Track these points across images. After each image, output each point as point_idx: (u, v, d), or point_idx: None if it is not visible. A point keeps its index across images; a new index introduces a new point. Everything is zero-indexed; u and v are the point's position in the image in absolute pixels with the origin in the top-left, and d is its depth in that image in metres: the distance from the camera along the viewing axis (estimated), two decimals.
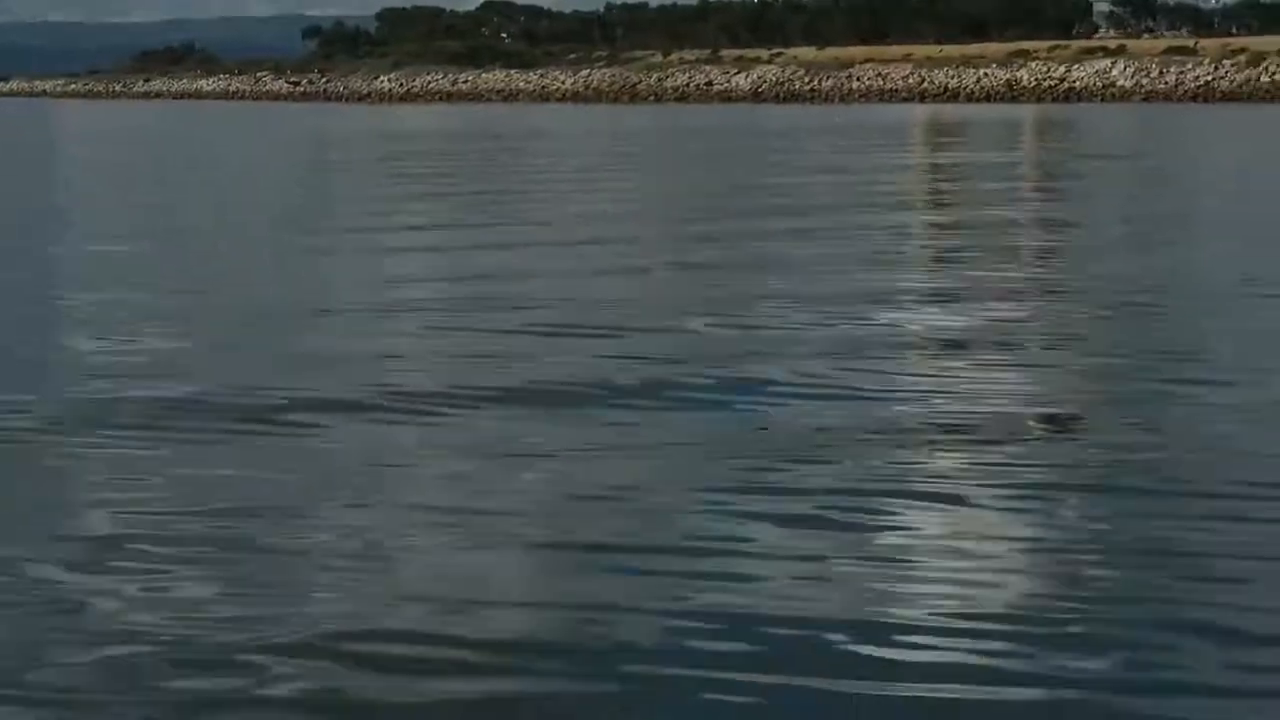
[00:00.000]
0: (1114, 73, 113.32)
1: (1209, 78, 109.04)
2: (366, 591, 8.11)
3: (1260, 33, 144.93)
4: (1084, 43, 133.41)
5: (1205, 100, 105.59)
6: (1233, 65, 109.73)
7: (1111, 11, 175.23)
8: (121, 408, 12.47)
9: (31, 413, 12.33)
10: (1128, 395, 12.73)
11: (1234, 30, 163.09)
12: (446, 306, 17.79)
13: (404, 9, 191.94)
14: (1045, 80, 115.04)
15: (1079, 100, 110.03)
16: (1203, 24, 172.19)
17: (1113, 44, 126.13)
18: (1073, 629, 7.61)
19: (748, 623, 7.62)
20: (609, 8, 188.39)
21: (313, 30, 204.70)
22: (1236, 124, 73.21)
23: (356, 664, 7.22)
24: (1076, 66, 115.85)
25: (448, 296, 18.52)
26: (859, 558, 8.62)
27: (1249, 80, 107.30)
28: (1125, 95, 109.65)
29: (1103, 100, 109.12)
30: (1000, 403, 12.36)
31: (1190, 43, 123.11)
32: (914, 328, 16.02)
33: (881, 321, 16.39)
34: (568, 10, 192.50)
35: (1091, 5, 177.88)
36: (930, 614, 7.76)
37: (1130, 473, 10.26)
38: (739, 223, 27.40)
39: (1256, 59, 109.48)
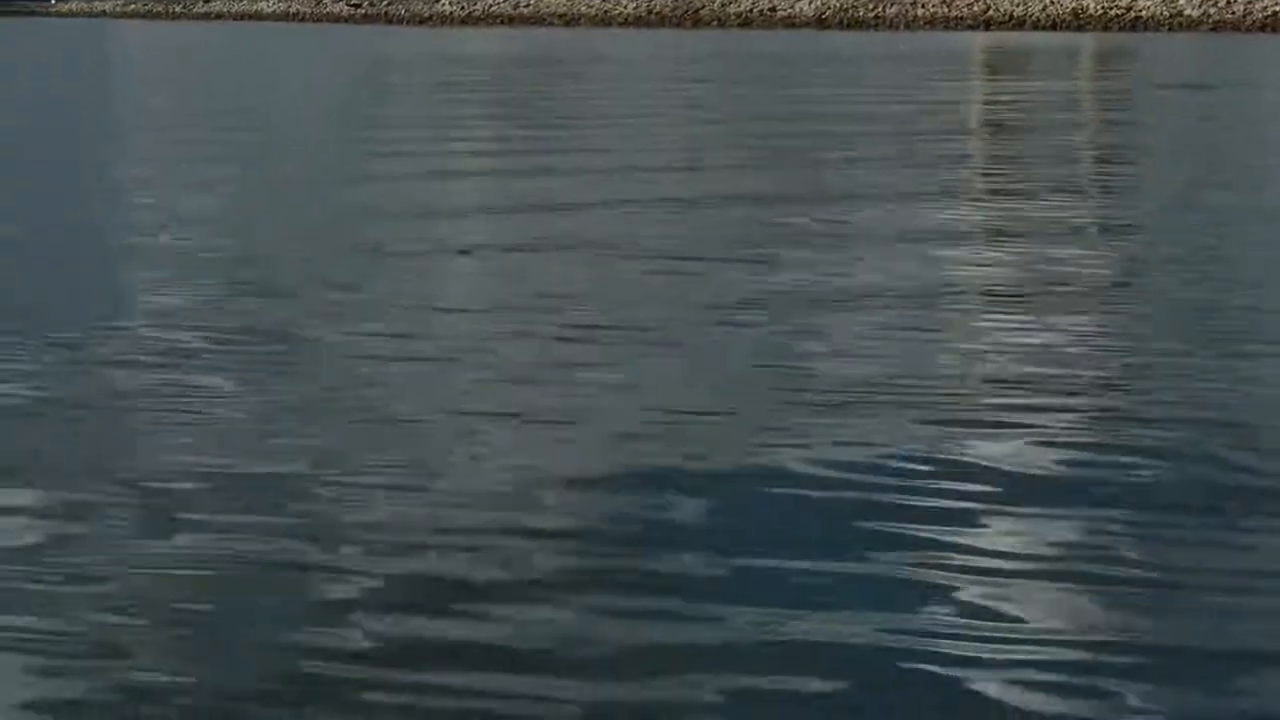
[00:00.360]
0: (1181, 1, 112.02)
1: (1278, 7, 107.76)
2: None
3: None
4: None
5: (1275, 30, 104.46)
6: None
7: None
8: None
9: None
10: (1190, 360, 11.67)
11: None
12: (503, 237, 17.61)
13: None
14: (1112, 8, 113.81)
15: (1145, 29, 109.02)
16: None
17: None
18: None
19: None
20: None
21: None
22: None
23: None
24: None
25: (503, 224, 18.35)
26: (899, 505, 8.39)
27: None
28: (1193, 25, 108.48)
29: (1170, 30, 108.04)
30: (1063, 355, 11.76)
31: None
32: (969, 273, 15.47)
33: (942, 263, 15.93)
34: None
35: None
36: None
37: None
38: (795, 155, 27.07)
39: None
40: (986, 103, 41.91)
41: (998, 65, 63.55)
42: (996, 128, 33.78)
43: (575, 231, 17.77)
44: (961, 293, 14.33)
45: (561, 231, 17.77)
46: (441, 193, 21.82)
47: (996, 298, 14.03)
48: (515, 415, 9.93)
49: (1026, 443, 9.41)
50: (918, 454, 9.05)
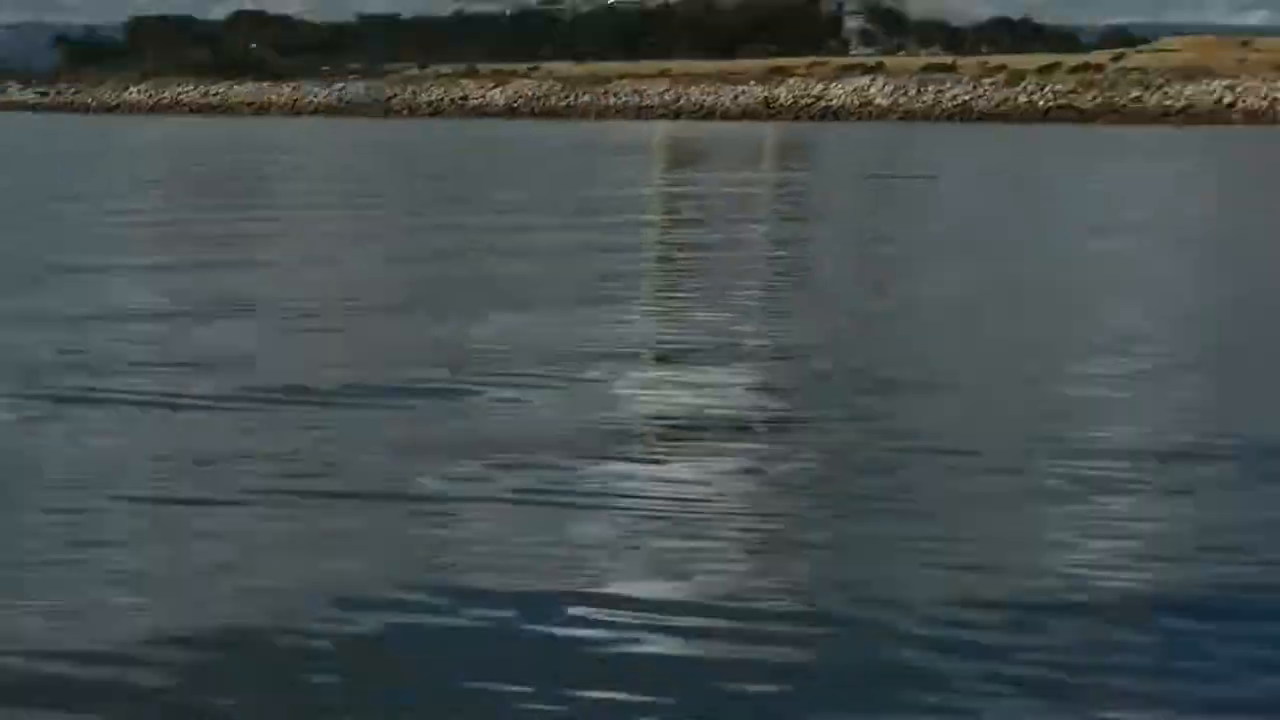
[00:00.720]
0: (871, 91, 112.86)
1: (967, 96, 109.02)
2: None
3: (1013, 50, 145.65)
4: (842, 60, 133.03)
5: (963, 119, 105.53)
6: (991, 84, 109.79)
7: (863, 29, 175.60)
8: None
9: None
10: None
11: (984, 49, 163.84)
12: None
13: (153, 18, 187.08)
14: (803, 98, 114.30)
15: (836, 119, 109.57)
16: (955, 41, 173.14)
17: (871, 61, 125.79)
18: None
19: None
20: (362, 19, 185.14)
21: (60, 39, 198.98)
22: (976, 143, 72.51)
23: None
24: (835, 84, 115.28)
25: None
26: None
27: (1006, 100, 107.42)
28: (883, 114, 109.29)
29: (859, 119, 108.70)
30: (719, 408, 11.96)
31: (948, 60, 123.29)
32: (628, 337, 15.45)
33: (592, 332, 15.75)
34: (320, 21, 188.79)
35: (842, 21, 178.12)
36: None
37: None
38: (463, 235, 26.04)
39: (1016, 77, 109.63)
40: (663, 194, 40.38)
41: (680, 156, 62.46)
42: (672, 220, 32.19)
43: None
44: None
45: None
46: None
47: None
48: None
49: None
50: None
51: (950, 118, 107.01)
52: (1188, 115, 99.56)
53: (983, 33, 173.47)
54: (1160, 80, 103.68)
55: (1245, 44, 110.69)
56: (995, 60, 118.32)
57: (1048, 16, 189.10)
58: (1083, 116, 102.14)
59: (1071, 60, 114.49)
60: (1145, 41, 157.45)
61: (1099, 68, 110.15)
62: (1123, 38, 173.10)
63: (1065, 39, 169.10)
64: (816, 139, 78.40)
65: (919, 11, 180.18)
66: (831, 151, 67.99)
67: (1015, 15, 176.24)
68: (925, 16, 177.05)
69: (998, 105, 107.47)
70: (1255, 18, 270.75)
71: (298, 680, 6.58)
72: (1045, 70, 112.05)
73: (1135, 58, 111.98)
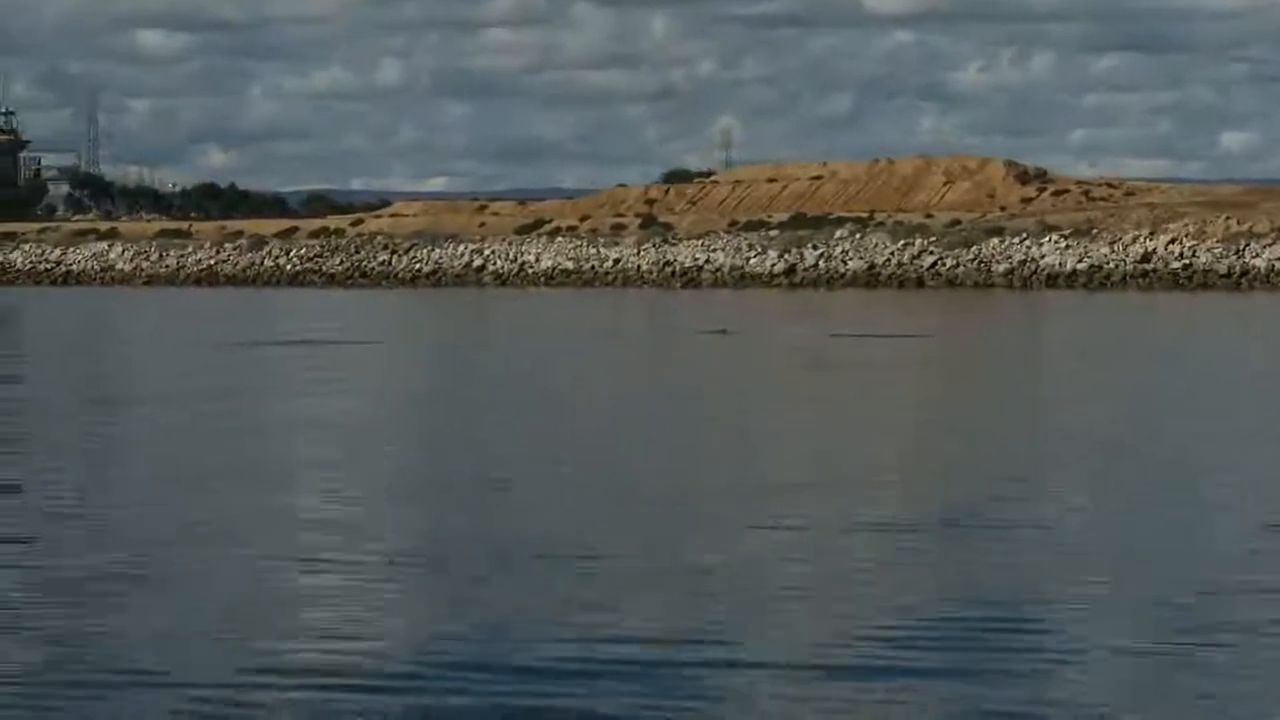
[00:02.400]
0: (112, 255, 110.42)
1: (212, 261, 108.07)
2: None
3: (223, 215, 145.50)
4: (75, 224, 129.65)
5: (210, 284, 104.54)
6: (234, 248, 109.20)
7: (70, 194, 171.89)
8: None
9: None
10: None
11: (193, 214, 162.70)
12: None
13: None
14: (41, 263, 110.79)
15: (78, 284, 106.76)
16: (163, 206, 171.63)
17: (104, 226, 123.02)
18: None
19: None
20: None
21: None
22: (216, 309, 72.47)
23: None
24: (73, 249, 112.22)
25: None
26: None
27: (253, 264, 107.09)
28: (127, 279, 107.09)
29: (103, 284, 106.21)
30: None
31: (184, 225, 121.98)
32: None
33: None
34: None
35: (45, 188, 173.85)
36: None
37: None
38: None
39: (259, 243, 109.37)
40: None
41: None
42: None
43: None
44: None
45: None
46: None
47: None
48: None
49: None
50: None
51: (198, 282, 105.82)
52: (436, 278, 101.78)
53: (190, 198, 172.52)
54: (407, 244, 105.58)
55: (483, 208, 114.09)
56: (233, 225, 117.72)
57: (252, 183, 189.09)
58: (332, 280, 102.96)
59: (311, 225, 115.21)
60: (349, 208, 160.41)
61: (339, 232, 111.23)
62: (326, 203, 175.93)
63: (275, 203, 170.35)
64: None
65: (120, 177, 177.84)
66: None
67: (218, 182, 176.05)
68: (129, 183, 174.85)
69: (244, 269, 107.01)
70: (436, 184, 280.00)
71: None
72: (285, 234, 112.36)
73: (374, 222, 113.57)
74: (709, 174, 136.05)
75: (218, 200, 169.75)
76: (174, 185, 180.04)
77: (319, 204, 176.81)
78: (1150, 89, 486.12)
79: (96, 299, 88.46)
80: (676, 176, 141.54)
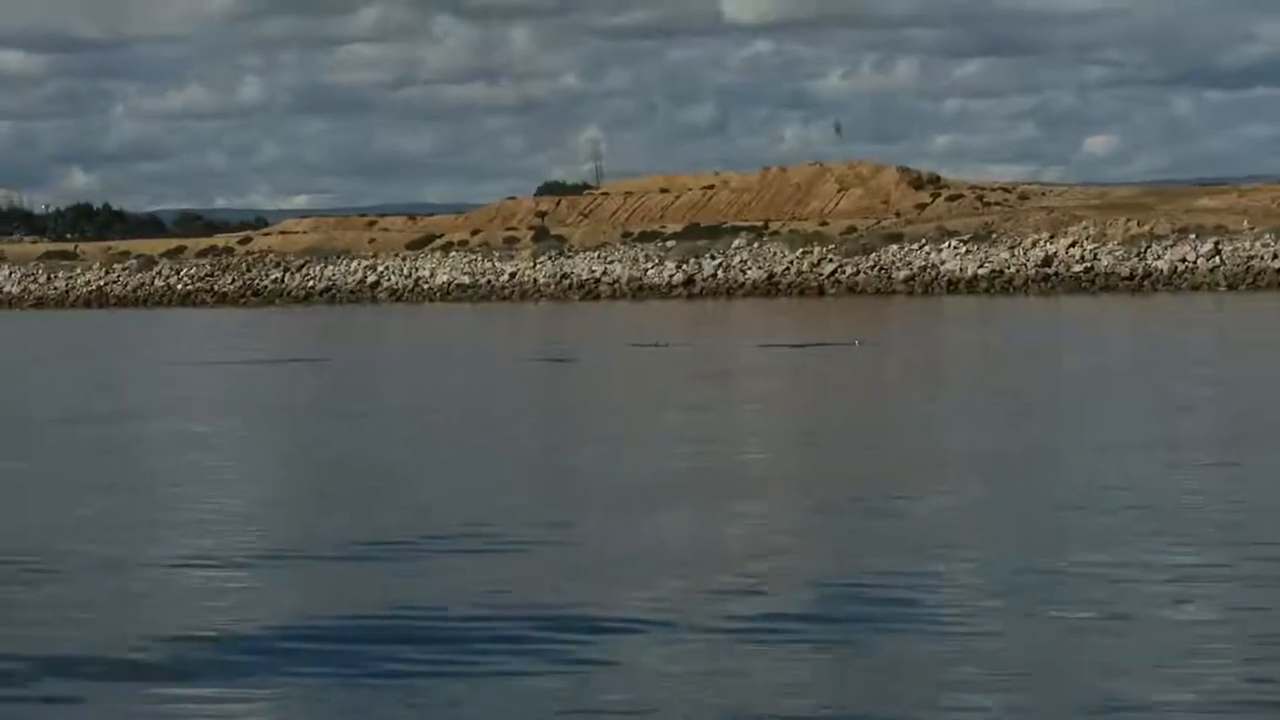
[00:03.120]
0: (1, 278, 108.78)
1: (101, 282, 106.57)
2: None
3: (100, 236, 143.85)
4: None
5: (101, 306, 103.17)
6: (124, 270, 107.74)
7: None
8: None
9: None
10: None
11: (68, 235, 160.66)
12: None
13: None
14: None
15: None
16: (37, 228, 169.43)
17: None
18: None
19: None
20: None
21: None
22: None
23: None
24: None
25: None
26: None
27: (143, 284, 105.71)
28: (16, 301, 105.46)
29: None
30: None
31: (71, 247, 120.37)
32: None
33: None
34: None
35: None
36: None
37: None
38: None
39: (148, 264, 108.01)
40: None
41: None
42: None
43: None
44: None
45: None
46: None
47: None
48: None
49: None
50: None
51: (87, 304, 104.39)
52: (331, 296, 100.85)
53: (64, 220, 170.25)
54: (299, 262, 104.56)
55: (372, 223, 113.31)
56: (120, 245, 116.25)
57: (118, 204, 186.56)
58: (225, 299, 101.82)
59: (199, 244, 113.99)
60: (223, 227, 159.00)
61: (229, 250, 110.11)
62: (201, 222, 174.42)
63: (150, 223, 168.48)
64: None
65: None
66: None
67: (98, 204, 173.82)
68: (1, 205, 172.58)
69: (134, 290, 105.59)
70: (299, 202, 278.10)
71: None
72: (173, 254, 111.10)
73: (263, 240, 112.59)
74: (585, 186, 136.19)
75: (93, 221, 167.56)
76: (46, 206, 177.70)
77: (192, 223, 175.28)
78: (1011, 94, 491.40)
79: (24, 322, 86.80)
80: (553, 189, 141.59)
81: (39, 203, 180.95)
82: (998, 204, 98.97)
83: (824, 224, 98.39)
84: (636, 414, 30.57)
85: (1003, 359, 44.45)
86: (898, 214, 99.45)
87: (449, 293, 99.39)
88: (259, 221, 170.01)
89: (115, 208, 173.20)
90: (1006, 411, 29.56)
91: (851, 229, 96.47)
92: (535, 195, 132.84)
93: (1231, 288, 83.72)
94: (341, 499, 19.64)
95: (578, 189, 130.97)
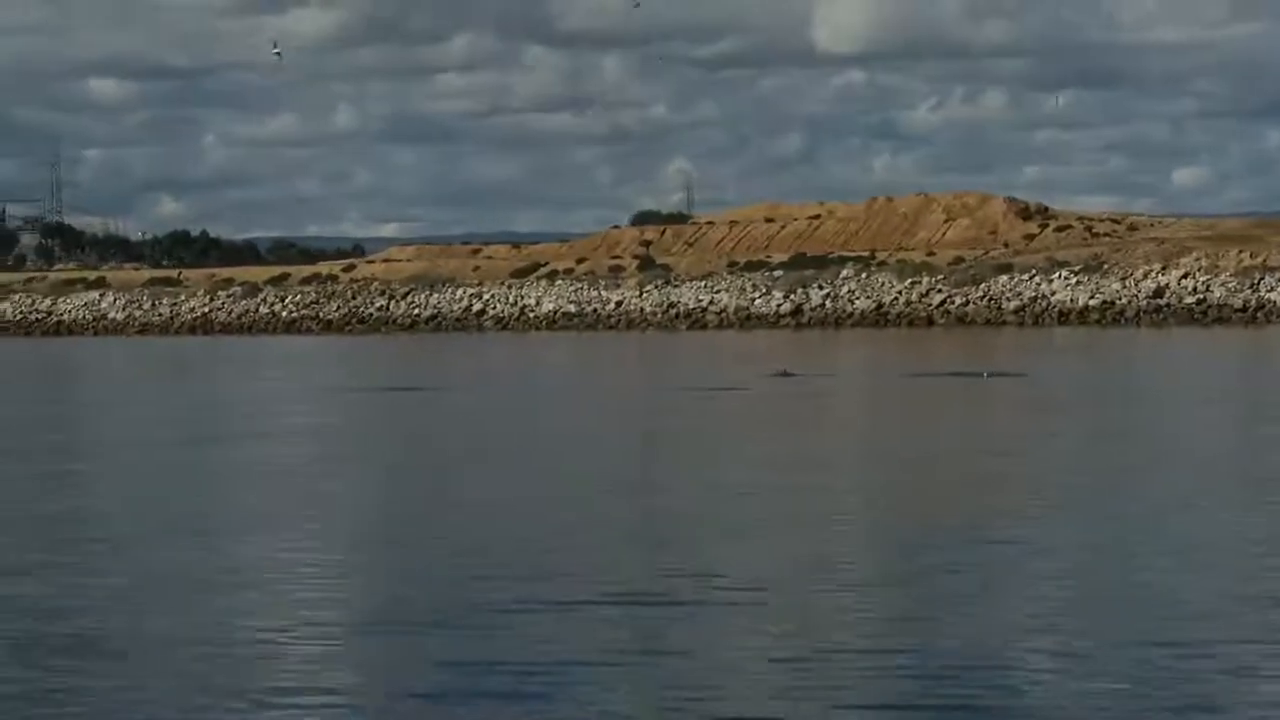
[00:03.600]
0: (104, 304, 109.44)
1: (206, 309, 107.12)
2: None
3: (195, 264, 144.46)
4: (61, 274, 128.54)
5: (205, 331, 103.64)
6: (228, 296, 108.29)
7: (41, 243, 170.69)
8: None
9: None
10: None
11: (164, 262, 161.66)
12: None
13: None
14: (32, 313, 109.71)
15: (70, 334, 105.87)
16: (134, 253, 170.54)
17: (92, 275, 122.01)
18: None
19: None
20: None
21: None
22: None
23: None
24: (62, 300, 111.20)
25: None
26: None
27: (247, 311, 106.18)
28: (120, 328, 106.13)
29: (95, 334, 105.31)
30: None
31: (175, 274, 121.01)
32: None
33: None
34: None
35: (16, 237, 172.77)
36: None
37: None
38: None
39: (253, 290, 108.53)
40: None
41: None
42: None
43: None
44: None
45: None
46: None
47: None
48: None
49: None
50: None
51: (192, 330, 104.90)
52: (436, 323, 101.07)
53: (160, 246, 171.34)
54: (404, 289, 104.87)
55: (476, 251, 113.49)
56: (224, 273, 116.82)
57: (220, 231, 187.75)
58: (329, 327, 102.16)
59: (303, 271, 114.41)
60: (320, 255, 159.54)
61: (333, 278, 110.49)
62: (291, 248, 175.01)
63: (245, 251, 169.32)
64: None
65: (85, 226, 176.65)
66: None
67: (193, 230, 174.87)
68: (98, 231, 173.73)
69: (239, 317, 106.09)
70: (389, 230, 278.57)
71: None
72: (277, 281, 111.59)
73: (366, 268, 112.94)
74: (681, 216, 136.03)
75: (190, 248, 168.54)
76: (144, 233, 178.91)
77: (286, 250, 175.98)
78: (1100, 125, 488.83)
79: (115, 347, 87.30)
80: (648, 218, 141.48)
81: (134, 230, 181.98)
82: (1106, 235, 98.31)
83: (931, 254, 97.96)
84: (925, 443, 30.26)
85: (1210, 386, 43.90)
86: (1006, 244, 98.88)
87: (554, 321, 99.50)
88: (356, 249, 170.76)
89: (212, 235, 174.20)
90: None
91: (959, 259, 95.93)
92: (631, 224, 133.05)
93: None
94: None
95: (677, 219, 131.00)
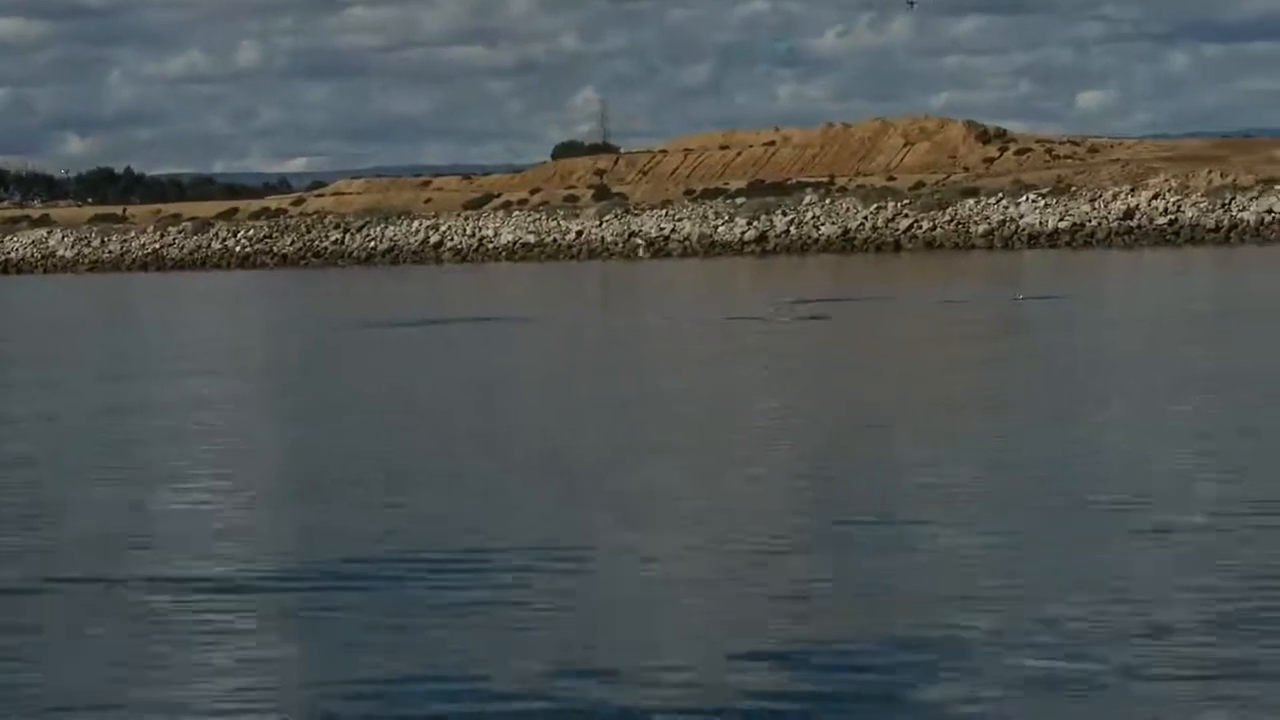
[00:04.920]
0: (52, 242, 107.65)
1: (157, 245, 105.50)
2: None
3: (121, 200, 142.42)
4: (6, 212, 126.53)
5: (158, 268, 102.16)
6: (179, 232, 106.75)
7: None
8: None
9: None
10: None
11: (88, 200, 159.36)
12: None
13: None
14: None
15: (19, 272, 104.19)
16: (58, 192, 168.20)
17: (36, 213, 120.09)
18: None
19: None
20: None
21: None
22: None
23: None
24: (9, 238, 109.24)
25: None
26: None
27: (200, 247, 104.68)
28: (70, 265, 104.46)
29: (45, 271, 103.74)
30: None
31: (118, 210, 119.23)
32: None
33: None
34: None
35: None
36: None
37: None
38: None
39: (204, 226, 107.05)
40: None
41: None
42: None
43: None
44: None
45: None
46: None
47: None
48: None
49: None
50: None
51: (144, 267, 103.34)
52: (393, 256, 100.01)
53: (84, 182, 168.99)
54: (359, 222, 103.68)
55: (426, 184, 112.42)
56: (170, 208, 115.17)
57: (122, 168, 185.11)
58: (285, 261, 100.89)
59: (251, 206, 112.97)
60: (244, 190, 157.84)
61: (281, 212, 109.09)
62: (210, 184, 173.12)
63: (173, 186, 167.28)
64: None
65: (5, 164, 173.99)
66: None
67: (117, 168, 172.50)
68: (18, 170, 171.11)
69: (191, 253, 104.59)
70: (297, 165, 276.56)
71: None
72: (225, 216, 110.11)
73: (316, 201, 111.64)
74: (599, 147, 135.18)
75: (115, 185, 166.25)
76: (65, 171, 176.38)
77: (206, 187, 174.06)
78: (1008, 50, 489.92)
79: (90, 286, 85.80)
80: (567, 150, 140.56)
81: (52, 168, 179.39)
82: (1068, 157, 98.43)
83: (891, 179, 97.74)
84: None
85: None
86: (966, 169, 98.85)
87: (514, 252, 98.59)
88: (281, 184, 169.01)
89: (136, 172, 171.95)
90: None
91: (920, 184, 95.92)
92: (553, 158, 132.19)
93: None
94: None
95: (596, 150, 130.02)
